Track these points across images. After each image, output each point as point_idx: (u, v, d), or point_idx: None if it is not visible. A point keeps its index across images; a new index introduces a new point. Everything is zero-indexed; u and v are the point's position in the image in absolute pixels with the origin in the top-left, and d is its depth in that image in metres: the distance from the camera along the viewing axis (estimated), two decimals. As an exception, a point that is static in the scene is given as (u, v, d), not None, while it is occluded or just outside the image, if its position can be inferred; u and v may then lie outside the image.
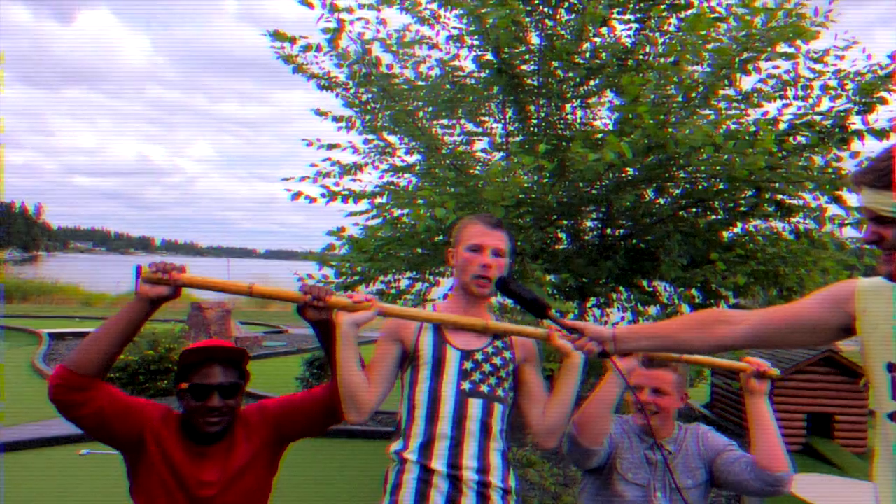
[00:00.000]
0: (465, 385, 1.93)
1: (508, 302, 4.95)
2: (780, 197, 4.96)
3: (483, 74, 5.28)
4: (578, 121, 5.53)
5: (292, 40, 5.24)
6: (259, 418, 1.99)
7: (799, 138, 4.64)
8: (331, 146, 6.07)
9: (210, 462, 1.90)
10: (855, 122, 4.47)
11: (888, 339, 1.37)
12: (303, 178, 5.91)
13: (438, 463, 1.88)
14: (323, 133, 6.55)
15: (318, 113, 6.09)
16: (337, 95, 5.81)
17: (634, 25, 4.96)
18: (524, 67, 5.09)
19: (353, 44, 5.32)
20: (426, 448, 1.90)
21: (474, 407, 1.91)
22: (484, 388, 1.94)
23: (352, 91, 5.76)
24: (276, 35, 5.22)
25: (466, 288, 2.02)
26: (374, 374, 1.98)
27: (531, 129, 5.48)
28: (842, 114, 4.46)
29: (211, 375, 1.89)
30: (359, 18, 5.15)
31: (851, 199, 4.71)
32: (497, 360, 1.99)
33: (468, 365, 1.94)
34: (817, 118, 4.58)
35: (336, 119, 6.10)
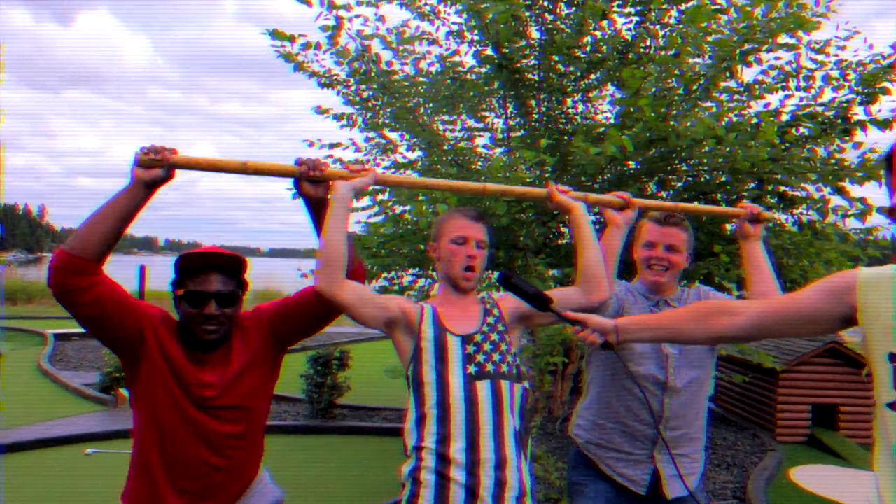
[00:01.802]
0: (471, 368, 1.92)
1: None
2: (782, 188, 4.96)
3: (484, 70, 5.27)
4: (580, 115, 5.53)
5: (291, 39, 5.24)
6: (255, 322, 1.97)
7: (801, 129, 4.63)
8: (332, 145, 6.06)
9: (209, 366, 1.89)
10: (857, 112, 4.46)
11: (889, 329, 1.37)
12: (305, 177, 5.91)
13: (456, 454, 1.86)
14: (324, 132, 6.55)
15: (320, 111, 6.09)
16: (338, 93, 5.81)
17: (635, 18, 4.94)
18: (525, 62, 5.08)
19: (353, 41, 5.31)
20: (443, 442, 1.88)
21: (483, 390, 1.91)
22: (489, 367, 1.94)
23: (352, 88, 5.75)
24: (276, 34, 5.21)
25: (454, 282, 2.04)
26: (364, 288, 1.97)
27: (532, 123, 5.48)
28: (844, 104, 4.45)
29: (208, 283, 1.85)
30: (357, 15, 5.14)
31: (854, 189, 4.70)
32: (494, 336, 2.00)
33: (470, 348, 1.95)
34: (819, 109, 4.56)
35: (337, 117, 6.09)
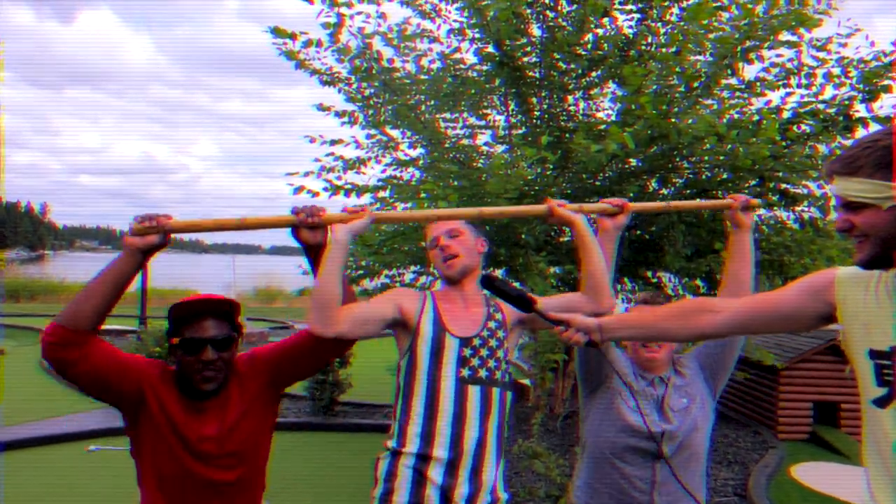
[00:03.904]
0: (465, 372, 1.96)
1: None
2: (784, 186, 4.95)
3: (485, 67, 5.27)
4: (581, 112, 5.53)
5: (293, 36, 5.23)
6: (250, 367, 1.98)
7: (803, 127, 4.62)
8: (334, 142, 6.06)
9: (208, 416, 1.90)
10: (859, 109, 4.45)
11: (868, 326, 1.39)
12: (307, 174, 5.92)
13: (439, 452, 1.91)
14: (326, 129, 6.55)
15: (321, 108, 6.09)
16: (339, 91, 5.81)
17: (636, 16, 4.94)
18: (526, 59, 5.08)
19: (354, 38, 5.31)
20: (426, 438, 1.93)
21: (473, 394, 1.95)
22: (482, 372, 1.98)
23: (354, 86, 5.75)
24: (277, 31, 5.21)
25: (444, 277, 2.11)
26: (358, 308, 1.95)
27: (534, 121, 5.48)
28: (846, 102, 4.44)
29: (203, 329, 1.86)
30: (359, 13, 5.15)
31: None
32: (493, 342, 2.03)
33: (467, 352, 1.98)
34: (821, 106, 4.56)
35: (339, 114, 6.09)
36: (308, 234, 1.86)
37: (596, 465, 2.35)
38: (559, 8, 4.94)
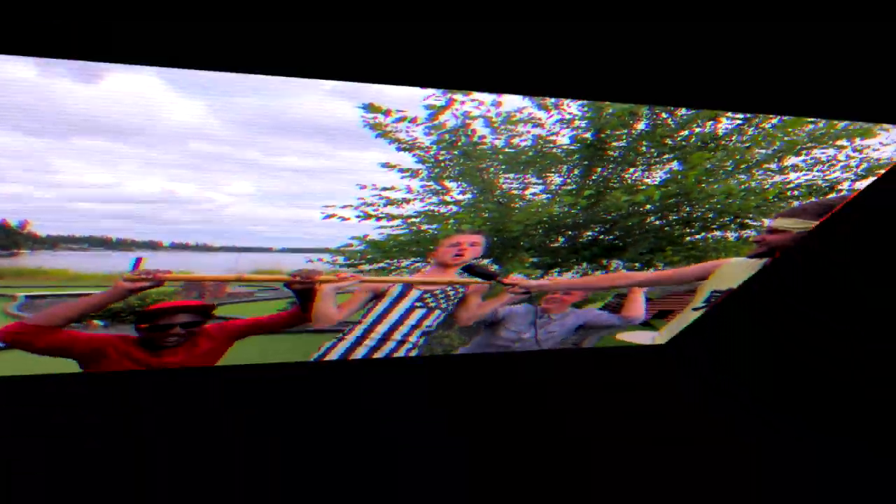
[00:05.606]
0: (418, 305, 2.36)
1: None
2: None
3: (573, 147, 5.31)
4: (632, 178, 5.81)
5: (387, 112, 4.87)
6: (221, 335, 2.06)
7: (795, 193, 5.02)
8: (385, 188, 5.77)
9: (171, 352, 1.99)
10: (843, 190, 4.97)
11: None
12: (344, 206, 5.58)
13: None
14: (380, 178, 6.09)
15: (387, 166, 5.72)
16: (414, 155, 5.52)
17: (738, 121, 5.13)
18: (615, 144, 5.22)
19: (454, 119, 5.06)
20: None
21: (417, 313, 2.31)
22: (432, 303, 2.36)
23: (431, 151, 5.50)
24: (371, 108, 4.82)
25: (445, 263, 2.47)
26: (350, 303, 2.31)
27: (587, 182, 5.63)
28: (839, 182, 4.73)
29: (174, 319, 1.94)
30: (472, 99, 4.90)
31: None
32: (450, 291, 2.40)
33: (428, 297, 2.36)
34: (821, 183, 4.77)
35: (402, 170, 5.78)
36: (299, 284, 2.11)
37: None
38: (675, 111, 5.04)
